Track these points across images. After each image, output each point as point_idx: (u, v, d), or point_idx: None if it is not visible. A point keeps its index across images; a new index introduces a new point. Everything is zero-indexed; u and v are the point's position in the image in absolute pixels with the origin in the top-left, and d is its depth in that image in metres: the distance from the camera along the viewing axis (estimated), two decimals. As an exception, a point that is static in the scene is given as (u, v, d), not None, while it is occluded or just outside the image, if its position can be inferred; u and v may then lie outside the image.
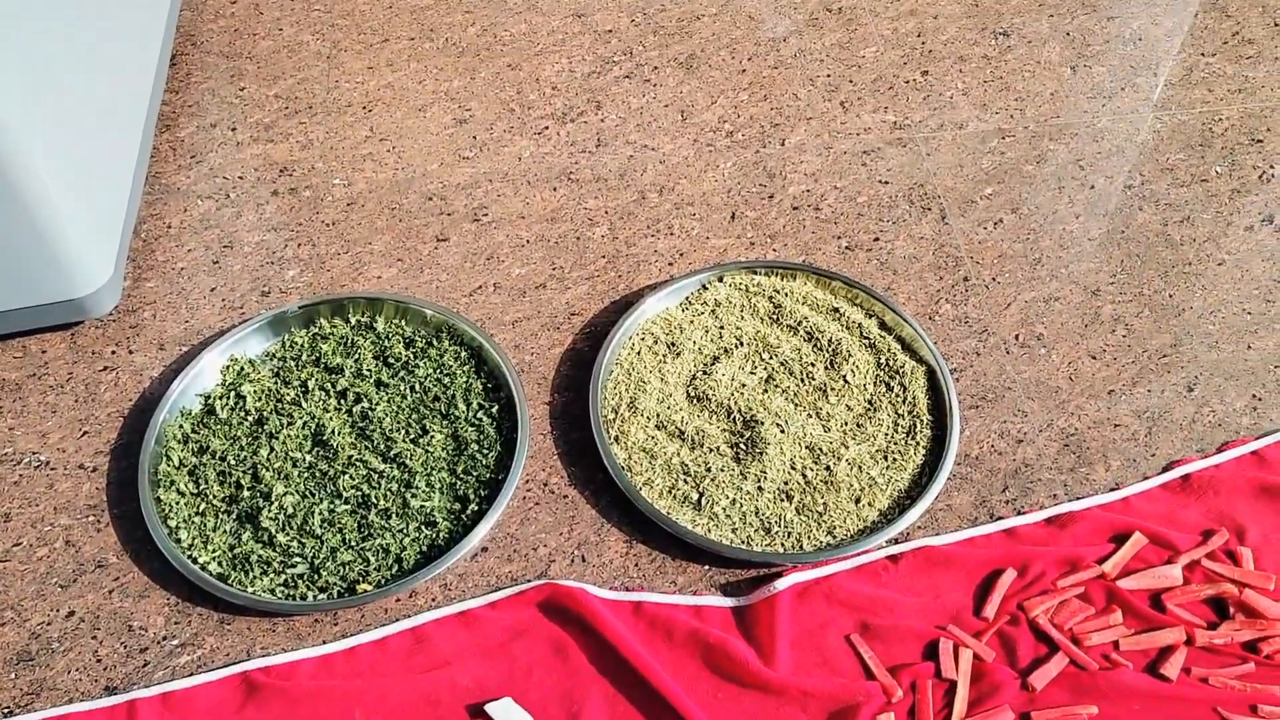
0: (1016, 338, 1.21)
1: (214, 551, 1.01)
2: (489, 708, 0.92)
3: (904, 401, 1.13)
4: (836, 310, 1.20)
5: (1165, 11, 1.59)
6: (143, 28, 1.32)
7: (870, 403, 1.13)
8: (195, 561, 1.00)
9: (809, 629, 0.99)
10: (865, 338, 1.18)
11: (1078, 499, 1.08)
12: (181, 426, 1.08)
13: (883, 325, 1.19)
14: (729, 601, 1.01)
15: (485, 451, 1.08)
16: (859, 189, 1.35)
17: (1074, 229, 1.32)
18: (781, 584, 1.00)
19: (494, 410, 1.11)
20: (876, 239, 1.30)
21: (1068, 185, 1.36)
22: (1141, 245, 1.30)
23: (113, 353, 1.17)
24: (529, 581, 1.01)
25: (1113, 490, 1.09)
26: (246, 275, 1.24)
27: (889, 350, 1.16)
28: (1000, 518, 1.07)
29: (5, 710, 0.93)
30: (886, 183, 1.36)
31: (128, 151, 1.23)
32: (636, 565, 1.03)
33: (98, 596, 1.00)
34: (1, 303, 1.10)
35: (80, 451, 1.09)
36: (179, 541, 1.01)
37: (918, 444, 1.10)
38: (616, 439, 1.10)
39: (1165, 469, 1.11)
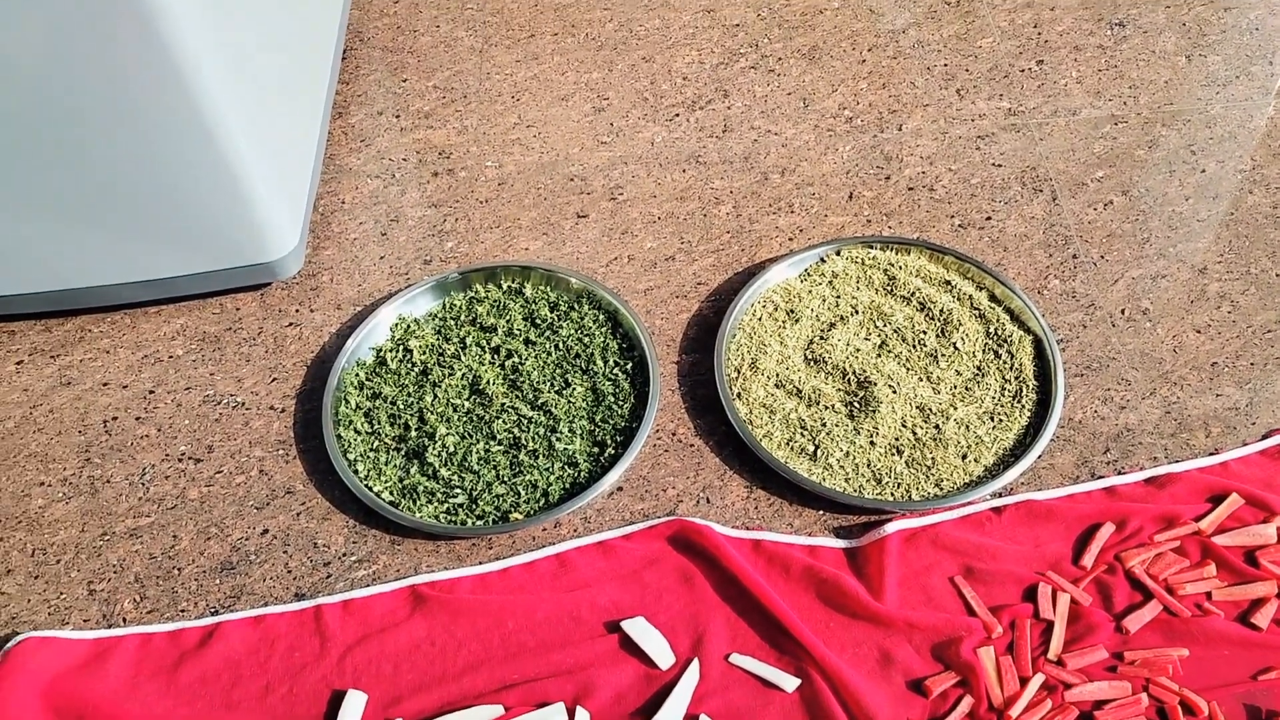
0: (1123, 312, 1.27)
1: (386, 482, 1.15)
2: (624, 624, 1.04)
3: (1011, 368, 1.20)
4: (948, 283, 1.28)
5: (1286, 0, 1.62)
6: (320, 26, 1.49)
7: (979, 369, 1.21)
8: (370, 490, 1.14)
9: (915, 570, 1.07)
10: (975, 308, 1.25)
11: (1177, 462, 1.14)
12: (357, 375, 1.24)
13: (993, 297, 1.26)
14: (841, 543, 1.11)
15: (620, 403, 1.20)
16: (972, 171, 1.42)
17: (1183, 210, 1.36)
18: (890, 528, 1.08)
19: (628, 367, 1.23)
20: (989, 218, 1.37)
21: (1178, 169, 1.41)
22: (1251, 227, 1.34)
23: (296, 311, 1.33)
24: (659, 518, 1.12)
25: (1212, 455, 1.14)
26: (411, 246, 1.39)
27: (998, 320, 1.24)
28: (1101, 477, 1.14)
29: (212, 610, 1.09)
30: (999, 165, 1.43)
31: (310, 135, 1.39)
32: (756, 508, 1.14)
33: (287, 518, 1.16)
34: (208, 264, 1.27)
35: (270, 395, 1.25)
36: (356, 473, 1.16)
37: (1023, 407, 1.18)
38: (739, 395, 1.20)
39: (1265, 437, 1.16)
